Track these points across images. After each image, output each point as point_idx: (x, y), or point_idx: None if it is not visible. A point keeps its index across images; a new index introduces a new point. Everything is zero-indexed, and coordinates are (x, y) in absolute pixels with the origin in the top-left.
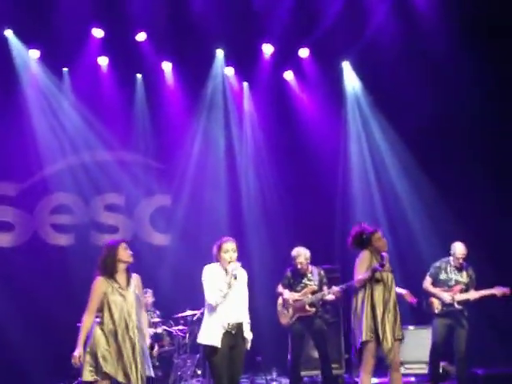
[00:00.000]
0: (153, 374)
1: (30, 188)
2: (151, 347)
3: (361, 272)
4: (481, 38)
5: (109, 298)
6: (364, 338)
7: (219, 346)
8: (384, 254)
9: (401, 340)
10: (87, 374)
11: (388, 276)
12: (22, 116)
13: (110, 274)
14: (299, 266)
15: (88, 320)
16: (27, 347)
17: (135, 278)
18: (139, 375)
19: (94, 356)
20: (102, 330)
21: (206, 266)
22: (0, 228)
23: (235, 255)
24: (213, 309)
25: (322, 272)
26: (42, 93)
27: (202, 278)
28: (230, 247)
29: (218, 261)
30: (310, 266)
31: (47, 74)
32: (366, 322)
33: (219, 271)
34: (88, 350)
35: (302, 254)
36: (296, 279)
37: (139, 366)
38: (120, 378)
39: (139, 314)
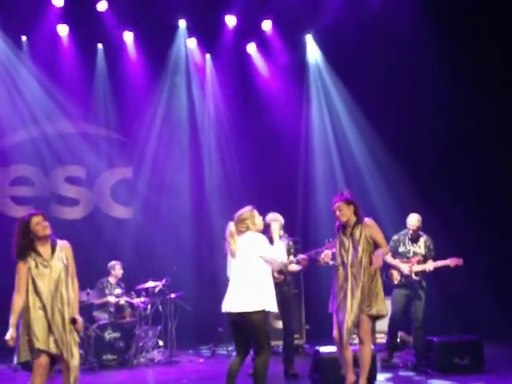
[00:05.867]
0: (79, 340)
1: None
2: (72, 321)
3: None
4: (446, 16)
5: (33, 273)
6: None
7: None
8: None
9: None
10: (23, 355)
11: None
12: None
13: (27, 252)
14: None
15: (17, 300)
16: None
17: (63, 246)
18: (71, 344)
19: (26, 335)
20: (30, 307)
21: (253, 235)
22: None
23: None
24: (269, 272)
25: (291, 242)
26: (0, 61)
27: (262, 244)
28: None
29: (247, 230)
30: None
31: (5, 42)
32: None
33: (263, 236)
34: (20, 330)
35: (276, 218)
36: None
37: (70, 336)
38: (52, 349)
39: (67, 283)
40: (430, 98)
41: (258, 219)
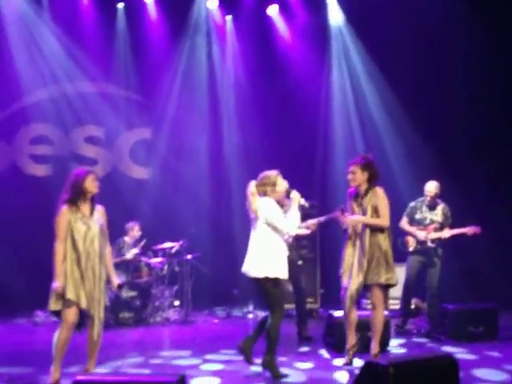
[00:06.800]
0: (108, 303)
1: (8, 118)
2: (119, 286)
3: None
4: None
5: (72, 227)
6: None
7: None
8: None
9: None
10: (53, 304)
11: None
12: (0, 43)
13: (75, 202)
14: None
15: (60, 249)
16: (8, 274)
17: (100, 210)
18: (100, 303)
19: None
20: (65, 258)
21: (266, 201)
22: None
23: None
24: (278, 240)
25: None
26: (21, 20)
27: (269, 212)
28: (282, 179)
29: (265, 195)
30: (286, 199)
31: (26, 1)
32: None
33: (276, 205)
34: (54, 279)
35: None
36: None
37: (100, 294)
38: (83, 304)
39: (103, 244)
40: (453, 62)
41: (280, 187)
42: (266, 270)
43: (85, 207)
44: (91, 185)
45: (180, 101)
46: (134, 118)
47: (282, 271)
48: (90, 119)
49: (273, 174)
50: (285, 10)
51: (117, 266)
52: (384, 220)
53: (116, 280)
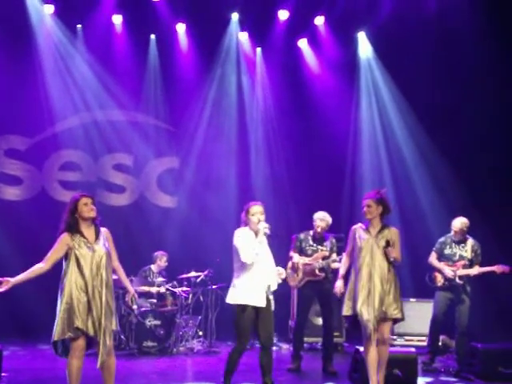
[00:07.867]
0: (118, 328)
1: (39, 143)
2: (131, 304)
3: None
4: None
5: (77, 253)
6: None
7: (263, 305)
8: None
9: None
10: (59, 332)
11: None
12: (35, 70)
13: (75, 228)
14: (319, 230)
15: (39, 267)
16: (33, 300)
17: (104, 232)
18: (105, 330)
19: (66, 313)
20: (71, 285)
21: (237, 230)
22: (9, 182)
23: (263, 217)
24: (248, 270)
25: (334, 240)
26: (55, 48)
27: (235, 239)
28: (257, 210)
29: (246, 225)
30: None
31: (61, 30)
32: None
33: (249, 234)
34: (59, 307)
35: (326, 219)
36: (309, 243)
37: (107, 322)
38: (90, 331)
39: (110, 267)
40: (485, 100)
41: (246, 216)
42: (235, 296)
43: (89, 232)
44: (84, 209)
45: (208, 131)
46: (162, 147)
47: (251, 299)
48: (119, 147)
49: (251, 203)
50: (314, 42)
51: (142, 294)
52: (399, 258)
53: (132, 289)
